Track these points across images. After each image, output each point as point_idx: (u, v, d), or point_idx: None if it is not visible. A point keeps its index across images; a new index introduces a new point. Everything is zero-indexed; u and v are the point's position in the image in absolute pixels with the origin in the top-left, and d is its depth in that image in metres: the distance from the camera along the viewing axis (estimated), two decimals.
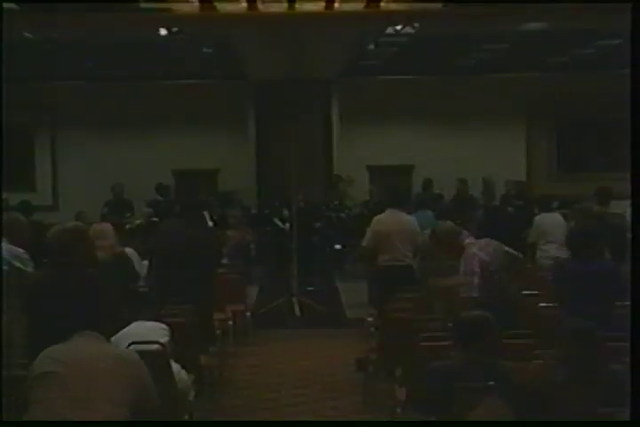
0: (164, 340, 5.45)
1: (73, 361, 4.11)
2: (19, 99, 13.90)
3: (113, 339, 4.56)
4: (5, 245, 6.79)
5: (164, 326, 5.66)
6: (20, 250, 6.88)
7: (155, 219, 12.22)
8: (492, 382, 4.42)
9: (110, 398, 4.04)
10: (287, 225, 12.61)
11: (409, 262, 8.82)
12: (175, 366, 5.47)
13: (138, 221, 11.77)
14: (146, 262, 8.08)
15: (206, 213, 10.92)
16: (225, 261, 9.70)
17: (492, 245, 6.89)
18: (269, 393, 7.55)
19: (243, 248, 11.28)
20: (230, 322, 8.63)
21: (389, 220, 9.05)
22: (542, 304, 6.76)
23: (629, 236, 3.89)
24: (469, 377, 4.48)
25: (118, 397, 4.07)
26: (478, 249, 6.89)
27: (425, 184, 14.72)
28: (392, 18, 10.48)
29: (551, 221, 9.99)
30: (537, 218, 10.39)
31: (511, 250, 7.05)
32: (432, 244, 8.09)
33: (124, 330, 5.30)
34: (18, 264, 6.71)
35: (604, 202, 9.27)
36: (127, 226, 10.88)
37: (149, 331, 5.54)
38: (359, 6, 9.90)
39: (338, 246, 13.73)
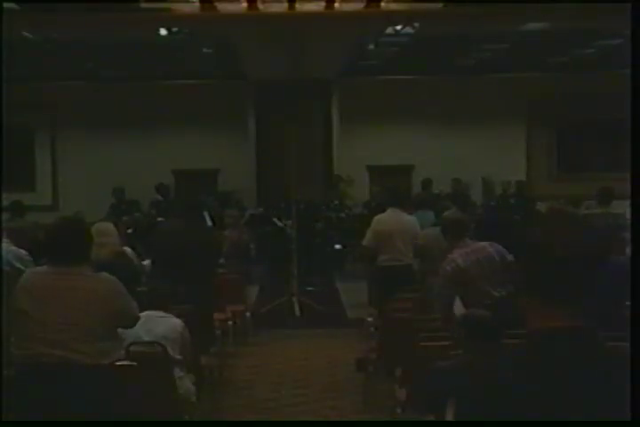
0: (179, 333, 5.50)
1: (44, 295, 4.26)
2: (19, 99, 13.93)
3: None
4: (8, 247, 6.86)
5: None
6: (23, 252, 6.97)
7: (160, 219, 12.22)
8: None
9: (85, 335, 4.17)
10: (287, 225, 12.61)
11: (409, 262, 8.82)
12: (177, 372, 5.47)
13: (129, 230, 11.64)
14: (147, 262, 8.08)
15: (206, 213, 10.92)
16: (221, 260, 9.68)
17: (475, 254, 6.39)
18: (269, 393, 7.54)
19: (240, 248, 11.26)
20: (230, 322, 8.63)
21: (391, 219, 9.04)
22: None
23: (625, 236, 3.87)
24: (470, 377, 4.47)
25: (93, 330, 4.21)
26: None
27: (425, 184, 14.74)
28: (392, 18, 10.48)
29: None
30: None
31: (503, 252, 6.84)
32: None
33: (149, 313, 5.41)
34: (18, 265, 6.79)
35: (606, 202, 9.26)
36: (129, 230, 10.90)
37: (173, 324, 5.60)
38: (359, 6, 9.89)
39: (338, 246, 13.74)
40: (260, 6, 9.81)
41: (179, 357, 5.50)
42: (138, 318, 4.76)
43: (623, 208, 8.21)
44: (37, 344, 4.19)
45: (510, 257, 6.54)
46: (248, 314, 9.68)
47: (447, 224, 6.74)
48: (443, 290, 6.31)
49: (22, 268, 6.83)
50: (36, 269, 4.47)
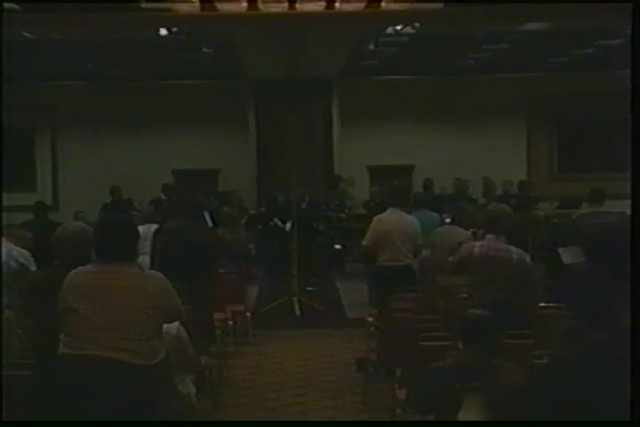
0: (172, 336, 5.49)
1: (94, 294, 4.25)
2: (19, 99, 13.89)
3: None
4: (9, 245, 7.02)
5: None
6: (24, 251, 7.14)
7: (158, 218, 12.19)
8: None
9: (137, 334, 4.15)
10: (287, 225, 12.61)
11: (409, 262, 8.81)
12: (177, 374, 5.45)
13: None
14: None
15: (206, 213, 10.91)
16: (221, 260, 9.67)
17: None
18: (269, 393, 7.54)
19: (240, 248, 11.26)
20: (230, 322, 8.63)
21: (391, 219, 9.02)
22: (542, 304, 6.75)
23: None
24: (470, 377, 4.48)
25: (145, 329, 4.20)
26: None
27: (426, 184, 14.72)
28: (392, 18, 10.48)
29: None
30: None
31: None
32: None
33: None
34: (22, 260, 6.97)
35: (598, 202, 9.31)
36: None
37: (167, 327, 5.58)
38: (359, 6, 9.90)
39: (338, 246, 13.73)
40: (260, 6, 9.82)
41: (175, 360, 5.48)
42: (184, 314, 4.75)
43: (623, 208, 8.21)
44: (88, 344, 4.17)
45: (535, 269, 6.53)
46: (248, 314, 9.68)
47: (489, 216, 6.77)
48: (447, 278, 6.32)
49: (25, 263, 7.04)
50: (83, 268, 4.42)
